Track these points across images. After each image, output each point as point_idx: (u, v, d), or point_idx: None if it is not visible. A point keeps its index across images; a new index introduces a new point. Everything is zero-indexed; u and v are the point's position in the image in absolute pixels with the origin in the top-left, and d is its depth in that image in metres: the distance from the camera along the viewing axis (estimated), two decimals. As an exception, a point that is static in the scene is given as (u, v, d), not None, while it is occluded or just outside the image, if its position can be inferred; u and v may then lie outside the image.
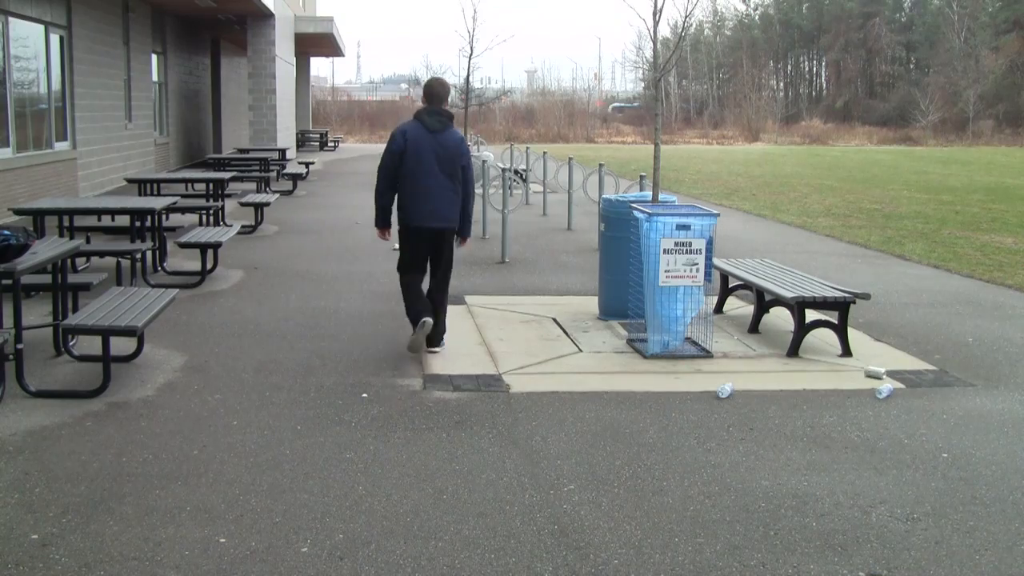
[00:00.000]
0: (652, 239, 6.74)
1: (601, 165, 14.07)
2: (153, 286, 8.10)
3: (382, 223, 6.82)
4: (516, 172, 17.75)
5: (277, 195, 16.30)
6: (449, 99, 6.88)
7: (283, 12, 26.55)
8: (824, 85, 74.97)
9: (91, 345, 6.42)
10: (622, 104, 69.79)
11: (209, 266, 9.49)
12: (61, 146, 14.66)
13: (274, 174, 20.38)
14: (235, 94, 31.89)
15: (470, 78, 22.40)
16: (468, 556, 3.77)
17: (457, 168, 6.63)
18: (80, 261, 9.44)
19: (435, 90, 6.77)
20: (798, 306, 6.97)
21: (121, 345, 6.42)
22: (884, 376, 6.36)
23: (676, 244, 6.73)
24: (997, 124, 54.96)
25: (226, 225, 11.55)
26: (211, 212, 12.63)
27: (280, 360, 6.58)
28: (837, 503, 4.35)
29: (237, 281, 9.49)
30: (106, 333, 5.66)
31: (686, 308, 6.82)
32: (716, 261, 7.75)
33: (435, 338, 6.80)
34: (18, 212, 8.94)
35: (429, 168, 6.54)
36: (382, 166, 6.67)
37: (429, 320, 6.53)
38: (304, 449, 4.89)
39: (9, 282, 5.66)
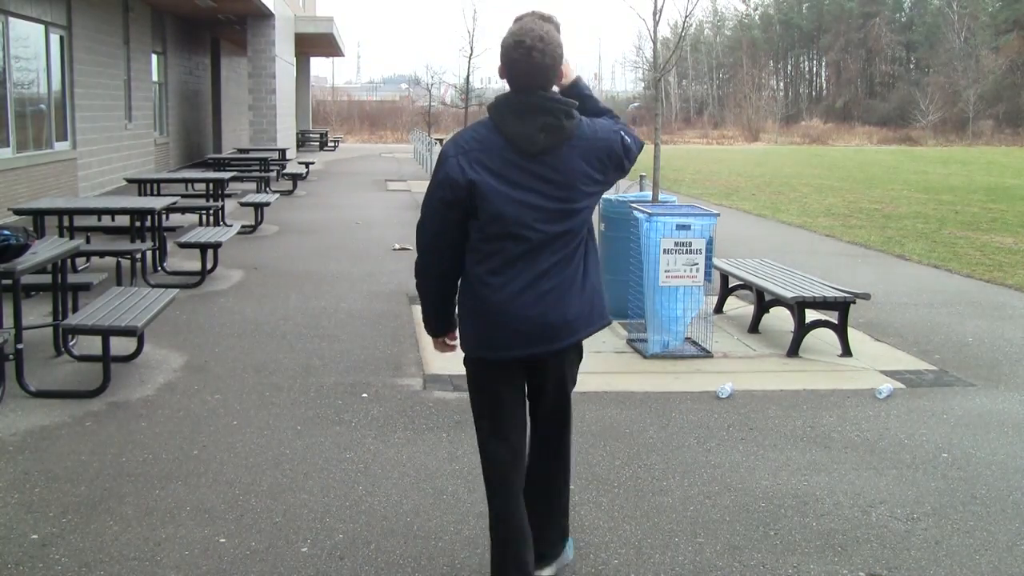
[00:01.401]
0: (652, 239, 6.74)
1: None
2: (153, 286, 8.10)
3: (437, 325, 3.40)
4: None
5: (277, 195, 16.29)
6: (558, 74, 3.13)
7: (283, 12, 26.55)
8: (824, 85, 75.02)
9: (91, 345, 6.42)
10: (639, 104, 69.54)
11: (209, 266, 9.48)
12: (61, 146, 14.66)
13: (274, 174, 20.38)
14: (235, 94, 31.90)
15: (470, 78, 22.43)
16: (468, 556, 3.77)
17: (586, 211, 3.20)
18: (80, 261, 9.44)
19: (518, 55, 3.06)
20: (798, 306, 6.97)
21: (121, 345, 6.42)
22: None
23: (676, 244, 6.73)
24: (997, 124, 55.03)
25: (226, 225, 11.55)
26: (211, 212, 12.63)
27: (280, 360, 6.58)
28: (837, 503, 4.35)
29: (237, 281, 9.49)
30: (106, 333, 5.66)
31: (686, 308, 6.82)
32: (716, 261, 7.75)
33: (546, 553, 3.54)
34: (18, 212, 8.94)
35: (524, 230, 3.09)
36: (422, 227, 3.24)
37: None
38: (304, 449, 4.89)
39: (9, 282, 5.66)
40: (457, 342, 3.36)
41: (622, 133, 3.22)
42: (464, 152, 3.12)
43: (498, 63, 3.15)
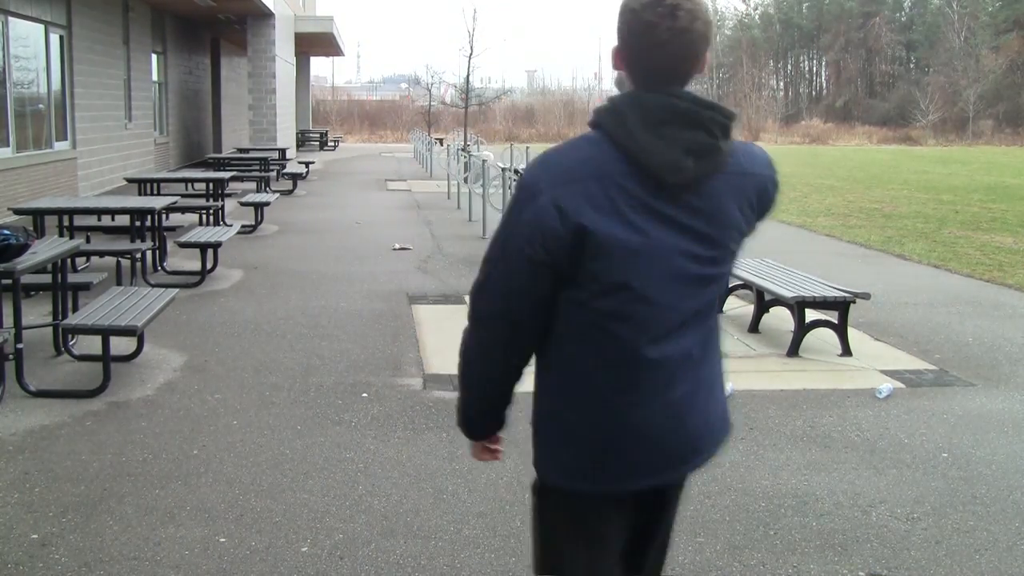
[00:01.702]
0: (652, 239, 6.73)
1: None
2: (153, 286, 8.09)
3: (483, 425, 2.27)
4: (516, 172, 17.75)
5: (277, 195, 16.29)
6: (704, 58, 1.98)
7: (283, 12, 26.55)
8: (824, 85, 75.00)
9: (91, 345, 6.42)
10: None
11: (209, 266, 9.48)
12: (61, 146, 14.66)
13: (274, 174, 20.38)
14: (235, 94, 31.89)
15: (470, 78, 22.44)
16: (468, 556, 3.77)
17: (727, 276, 2.14)
18: (80, 261, 9.43)
19: (656, 17, 1.90)
20: (798, 306, 6.97)
21: (121, 345, 6.41)
22: None
23: (676, 244, 6.72)
24: (997, 124, 55.03)
25: (226, 225, 11.55)
26: (211, 212, 12.64)
27: (280, 360, 6.58)
28: (837, 503, 4.35)
29: (237, 281, 9.49)
30: (106, 333, 5.66)
31: (686, 308, 6.82)
32: (716, 261, 7.74)
33: None
34: (18, 212, 8.94)
35: (652, 307, 2.00)
36: (489, 288, 2.07)
37: None
38: (304, 449, 4.89)
39: (9, 282, 5.66)
40: (500, 445, 2.34)
41: (774, 166, 2.16)
42: (565, 183, 1.94)
43: (615, 43, 2.01)
